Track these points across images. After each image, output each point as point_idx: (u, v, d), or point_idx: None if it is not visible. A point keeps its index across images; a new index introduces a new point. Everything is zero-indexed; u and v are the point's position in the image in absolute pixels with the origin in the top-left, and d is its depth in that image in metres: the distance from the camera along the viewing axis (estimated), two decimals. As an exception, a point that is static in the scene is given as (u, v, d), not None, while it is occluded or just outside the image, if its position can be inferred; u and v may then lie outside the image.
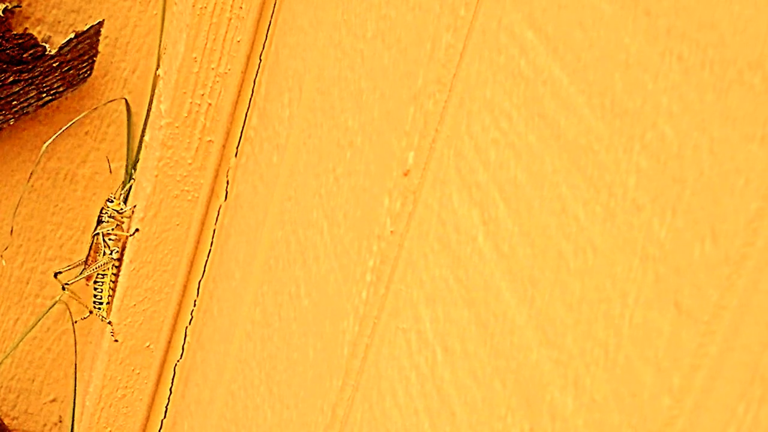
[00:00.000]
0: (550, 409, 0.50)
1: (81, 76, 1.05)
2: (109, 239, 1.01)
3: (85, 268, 1.03)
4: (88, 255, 1.03)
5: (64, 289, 1.05)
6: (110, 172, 1.07)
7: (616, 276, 0.47)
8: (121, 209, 1.01)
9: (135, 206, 1.01)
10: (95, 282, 1.03)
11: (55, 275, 1.05)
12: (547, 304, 0.52)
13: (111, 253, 1.01)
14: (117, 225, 1.01)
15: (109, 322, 1.02)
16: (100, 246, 1.02)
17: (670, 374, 0.42)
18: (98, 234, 1.02)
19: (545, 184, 0.54)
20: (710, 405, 0.41)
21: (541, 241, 0.53)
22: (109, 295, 1.03)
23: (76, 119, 1.06)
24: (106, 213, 1.02)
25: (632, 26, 0.49)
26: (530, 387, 0.52)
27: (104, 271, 1.02)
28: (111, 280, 1.03)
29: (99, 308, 1.03)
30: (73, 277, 1.05)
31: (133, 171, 1.03)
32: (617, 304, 0.46)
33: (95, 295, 1.03)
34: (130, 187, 1.03)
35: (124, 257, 1.02)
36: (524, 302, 0.53)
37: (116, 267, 1.02)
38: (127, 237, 1.01)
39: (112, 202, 1.01)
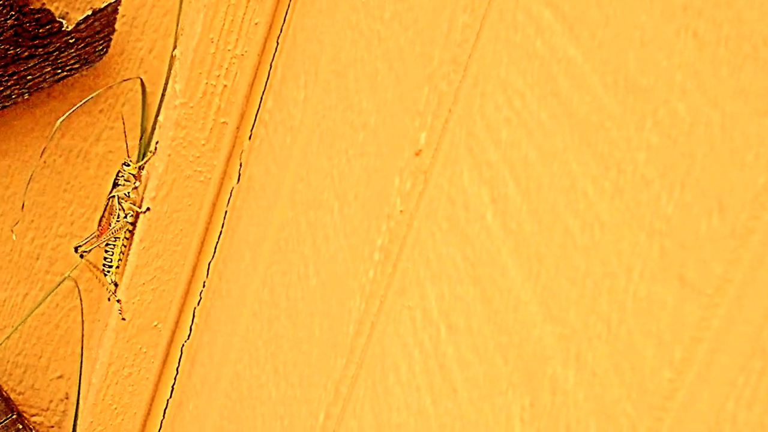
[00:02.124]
0: (551, 383, 0.50)
1: (97, 54, 1.05)
2: (124, 203, 1.01)
3: (99, 232, 1.03)
4: (102, 216, 1.03)
5: (82, 257, 1.05)
6: (126, 146, 1.07)
7: (621, 251, 0.47)
8: (138, 172, 1.01)
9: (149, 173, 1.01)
10: (107, 245, 1.03)
11: (76, 249, 1.05)
12: (552, 279, 0.52)
13: (126, 217, 1.01)
14: (133, 188, 1.01)
15: (118, 300, 1.03)
16: (114, 208, 1.02)
17: (672, 347, 0.42)
18: (114, 197, 1.02)
19: (555, 161, 0.54)
20: (711, 378, 0.41)
21: (548, 218, 0.53)
22: (119, 260, 1.03)
23: (90, 96, 1.07)
24: (122, 176, 1.02)
25: (649, 4, 0.49)
26: (532, 362, 0.52)
27: (117, 234, 1.02)
28: (123, 244, 1.03)
29: (108, 272, 1.03)
30: (90, 245, 1.05)
31: (146, 148, 1.03)
32: (622, 279, 0.46)
33: (105, 258, 1.03)
34: (146, 152, 1.02)
35: (135, 236, 1.02)
36: (529, 278, 0.53)
37: (129, 231, 1.02)
38: (141, 204, 1.01)
39: (128, 165, 1.02)
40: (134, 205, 1.01)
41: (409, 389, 0.63)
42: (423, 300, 0.64)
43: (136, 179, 1.01)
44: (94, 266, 1.06)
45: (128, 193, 1.02)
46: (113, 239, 1.02)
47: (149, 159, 1.01)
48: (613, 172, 0.49)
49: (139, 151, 1.04)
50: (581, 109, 0.52)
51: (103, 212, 1.03)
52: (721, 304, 0.41)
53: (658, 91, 0.47)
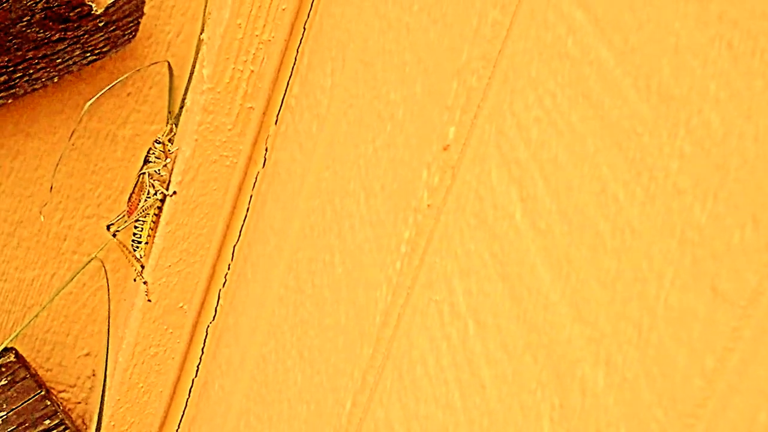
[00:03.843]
0: (581, 385, 0.50)
1: (125, 37, 1.06)
2: (155, 180, 1.02)
3: (129, 209, 1.04)
4: (132, 193, 1.04)
5: (114, 236, 1.06)
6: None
7: (653, 257, 0.47)
8: (169, 149, 1.02)
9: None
10: (136, 221, 1.04)
11: (108, 227, 1.07)
12: (582, 281, 0.52)
13: (156, 194, 1.02)
14: (163, 165, 1.02)
15: (144, 282, 1.04)
16: (145, 185, 1.03)
17: (703, 356, 0.43)
18: (144, 173, 1.03)
19: (586, 164, 0.54)
20: (742, 388, 0.41)
21: (578, 220, 0.54)
22: (148, 235, 1.04)
23: (118, 80, 1.07)
24: (153, 153, 1.02)
25: (683, 10, 0.49)
26: (561, 362, 0.52)
27: (147, 211, 1.03)
28: (152, 221, 1.04)
29: (137, 248, 1.04)
30: (121, 224, 1.06)
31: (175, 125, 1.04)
32: (653, 285, 0.47)
33: (134, 234, 1.04)
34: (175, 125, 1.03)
35: (161, 219, 1.03)
36: (559, 279, 0.54)
37: (158, 208, 1.03)
38: (169, 182, 1.02)
39: (160, 143, 1.02)
40: (164, 182, 1.02)
41: (437, 382, 0.64)
42: (450, 294, 0.64)
43: (166, 156, 1.02)
44: (123, 245, 1.07)
45: (159, 170, 1.02)
46: (143, 216, 1.04)
47: (175, 132, 1.02)
48: (645, 178, 0.49)
49: (167, 132, 1.04)
50: (612, 112, 0.53)
51: (133, 189, 1.04)
52: (754, 315, 0.42)
53: (691, 100, 0.47)
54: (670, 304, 0.46)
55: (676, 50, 0.49)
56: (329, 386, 0.78)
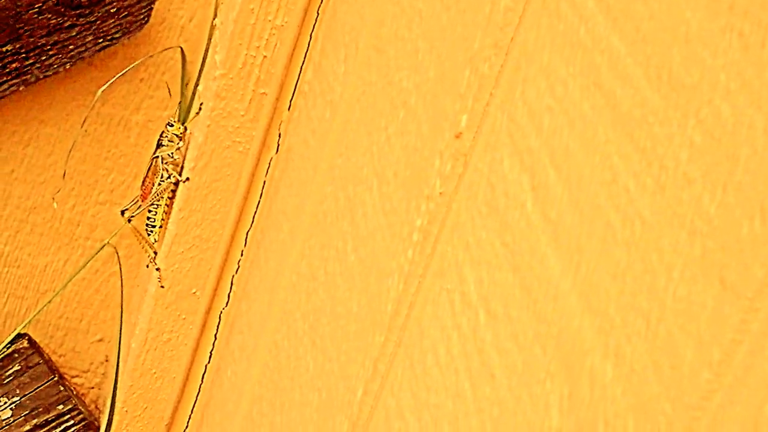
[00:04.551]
0: (590, 376, 0.50)
1: (138, 23, 1.06)
2: (168, 164, 1.02)
3: (143, 193, 1.05)
4: (146, 177, 1.04)
5: (129, 221, 1.06)
6: (170, 95, 1.07)
7: (662, 248, 0.47)
8: (182, 134, 1.02)
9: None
10: (150, 205, 1.04)
11: (122, 212, 1.07)
12: (592, 272, 0.52)
13: (169, 177, 1.02)
14: (176, 149, 1.02)
15: (157, 268, 1.04)
16: (158, 169, 1.03)
17: (711, 348, 0.43)
18: (157, 157, 1.03)
19: (597, 153, 0.54)
20: (750, 381, 0.41)
21: (589, 210, 0.54)
22: (162, 219, 1.04)
23: (131, 66, 1.07)
24: (166, 137, 1.02)
25: (694, 0, 0.49)
26: (571, 353, 0.52)
27: (161, 195, 1.03)
28: (166, 204, 1.04)
29: (151, 232, 1.05)
30: (135, 209, 1.06)
31: (187, 113, 1.03)
32: (662, 277, 0.47)
33: (149, 218, 1.04)
34: (186, 117, 1.03)
35: (174, 205, 1.03)
36: (569, 269, 0.54)
37: (172, 191, 1.03)
38: (183, 166, 1.02)
39: (172, 126, 1.02)
40: (177, 166, 1.02)
41: (448, 371, 0.64)
42: (462, 284, 0.64)
43: (180, 140, 1.02)
44: (137, 231, 1.07)
45: (172, 153, 1.02)
46: (157, 200, 1.04)
47: (194, 119, 1.02)
48: (656, 168, 0.49)
49: (179, 117, 1.04)
50: (624, 102, 0.53)
51: (147, 173, 1.04)
52: (761, 308, 0.41)
53: (701, 90, 0.47)
54: (679, 295, 0.45)
55: (687, 40, 0.49)
56: (341, 374, 0.78)
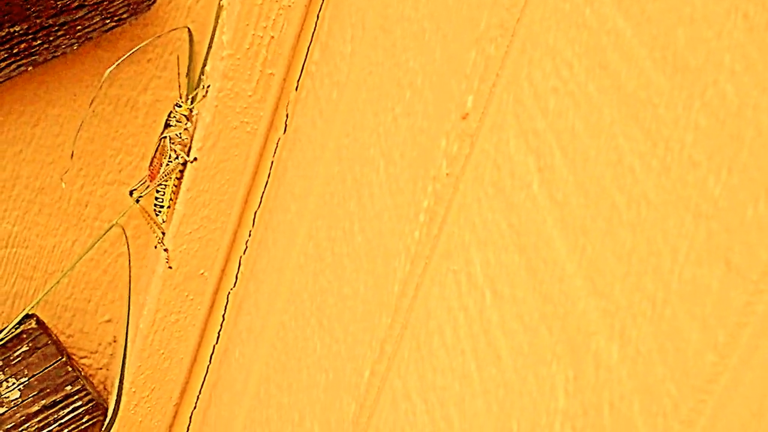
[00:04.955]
0: (595, 357, 0.50)
1: (145, 3, 1.06)
2: (176, 144, 1.02)
3: (150, 173, 1.05)
4: (154, 157, 1.04)
5: (138, 202, 1.06)
6: (178, 75, 1.07)
7: (667, 230, 0.47)
8: (190, 114, 1.02)
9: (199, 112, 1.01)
10: (158, 185, 1.04)
11: (131, 193, 1.07)
12: (598, 254, 0.52)
13: (177, 158, 1.02)
14: (184, 129, 1.02)
15: (165, 249, 1.04)
16: (166, 149, 1.03)
17: (716, 331, 0.43)
18: (165, 137, 1.03)
19: (603, 134, 0.54)
20: (754, 363, 0.41)
21: (595, 191, 0.54)
22: (170, 199, 1.04)
23: (138, 46, 1.07)
24: (174, 117, 1.02)
25: (698, -19, 0.49)
26: (576, 335, 0.52)
27: (169, 175, 1.03)
28: (174, 184, 1.04)
29: (159, 212, 1.05)
30: (143, 189, 1.06)
31: (201, 79, 1.03)
32: (667, 259, 0.47)
33: (157, 198, 1.05)
34: (194, 97, 1.03)
35: (182, 185, 1.03)
36: (575, 251, 0.54)
37: (180, 172, 1.03)
38: (190, 147, 1.02)
39: (180, 106, 1.02)
40: (185, 146, 1.02)
41: (454, 353, 0.64)
42: (468, 265, 0.64)
43: (187, 120, 1.02)
44: (146, 211, 1.07)
45: (180, 134, 1.02)
46: (165, 180, 1.04)
47: (201, 100, 1.02)
48: (661, 149, 0.49)
49: (187, 98, 1.04)
50: (629, 83, 0.53)
51: (155, 153, 1.04)
52: (766, 290, 0.41)
53: (706, 71, 0.47)
54: (684, 278, 0.45)
55: (692, 21, 0.48)
56: (348, 355, 0.78)
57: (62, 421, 1.13)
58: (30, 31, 1.03)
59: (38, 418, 1.12)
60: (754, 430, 0.40)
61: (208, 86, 1.00)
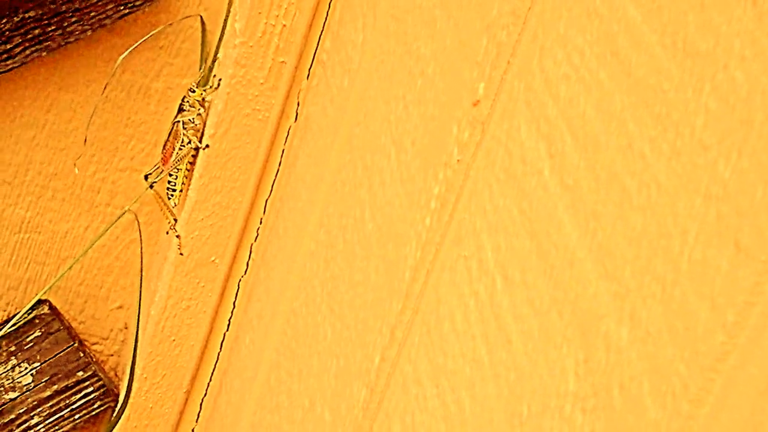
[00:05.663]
0: (605, 340, 0.51)
1: (159, -8, 1.06)
2: (189, 130, 1.03)
3: (163, 157, 1.05)
4: (167, 141, 1.05)
5: (151, 187, 1.07)
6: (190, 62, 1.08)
7: (678, 213, 0.48)
8: (203, 98, 1.02)
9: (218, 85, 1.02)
10: (171, 169, 1.05)
11: (146, 177, 1.08)
12: (608, 238, 0.53)
13: (189, 143, 1.03)
14: (197, 114, 1.03)
15: (177, 236, 1.05)
16: (179, 133, 1.04)
17: (725, 311, 0.43)
18: (178, 122, 1.03)
19: (613, 120, 0.54)
20: (763, 342, 0.42)
21: (605, 176, 0.54)
22: (182, 183, 1.05)
23: (151, 33, 1.08)
24: (188, 102, 1.03)
25: (710, -33, 0.49)
26: (587, 318, 0.53)
27: (182, 160, 1.04)
28: (186, 168, 1.04)
29: (172, 196, 1.05)
30: (157, 174, 1.07)
31: (207, 80, 1.04)
32: (677, 241, 0.47)
33: (169, 182, 1.05)
34: (207, 83, 1.03)
35: (194, 172, 1.04)
36: (586, 235, 0.54)
37: (193, 156, 1.04)
38: (203, 132, 1.02)
39: (194, 91, 1.03)
40: (198, 131, 1.03)
41: (465, 338, 0.64)
42: (479, 251, 0.65)
43: (201, 106, 1.03)
44: (159, 196, 1.08)
45: (193, 119, 1.03)
46: (177, 165, 1.04)
47: (212, 91, 1.03)
48: (671, 134, 0.50)
49: (200, 84, 1.05)
50: (640, 69, 0.53)
51: (168, 138, 1.05)
52: (774, 272, 0.42)
53: (716, 57, 0.47)
54: (694, 259, 0.46)
55: (702, 7, 0.49)
56: (358, 341, 0.79)
57: (74, 406, 1.13)
58: (44, 17, 1.04)
59: (50, 403, 1.13)
60: (763, 408, 0.41)
61: (220, 80, 1.01)
